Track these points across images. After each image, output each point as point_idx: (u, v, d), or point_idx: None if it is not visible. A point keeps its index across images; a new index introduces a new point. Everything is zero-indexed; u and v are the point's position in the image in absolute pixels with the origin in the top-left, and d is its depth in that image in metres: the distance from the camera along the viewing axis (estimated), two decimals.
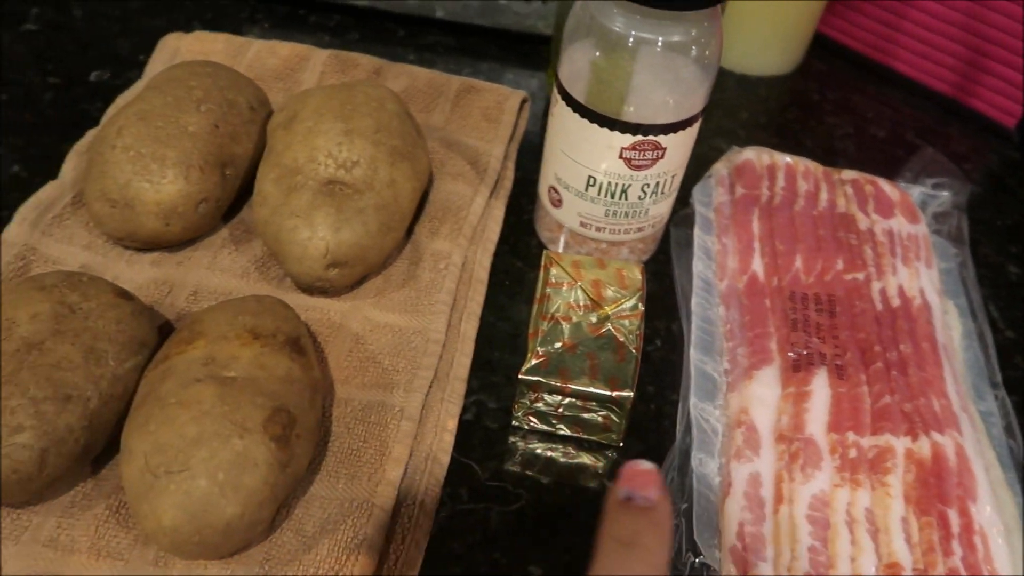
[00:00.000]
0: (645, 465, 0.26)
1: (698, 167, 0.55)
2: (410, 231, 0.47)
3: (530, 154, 0.55)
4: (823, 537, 0.36)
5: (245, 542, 0.32)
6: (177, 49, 0.55)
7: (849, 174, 0.53)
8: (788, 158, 0.53)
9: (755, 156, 0.53)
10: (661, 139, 0.41)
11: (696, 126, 0.42)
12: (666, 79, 0.40)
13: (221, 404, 0.32)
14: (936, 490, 0.37)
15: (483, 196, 0.49)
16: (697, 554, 0.35)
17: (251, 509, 0.31)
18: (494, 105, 0.54)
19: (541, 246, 0.50)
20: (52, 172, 0.48)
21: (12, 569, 0.32)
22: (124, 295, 0.37)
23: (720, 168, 0.54)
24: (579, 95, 0.41)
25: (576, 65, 0.41)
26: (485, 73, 0.62)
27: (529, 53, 0.64)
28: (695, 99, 0.41)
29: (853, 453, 0.38)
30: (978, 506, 0.37)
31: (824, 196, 0.51)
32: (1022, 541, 0.38)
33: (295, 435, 0.33)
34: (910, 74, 0.66)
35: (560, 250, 0.48)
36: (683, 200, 0.52)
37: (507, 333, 0.45)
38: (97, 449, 0.34)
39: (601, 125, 0.41)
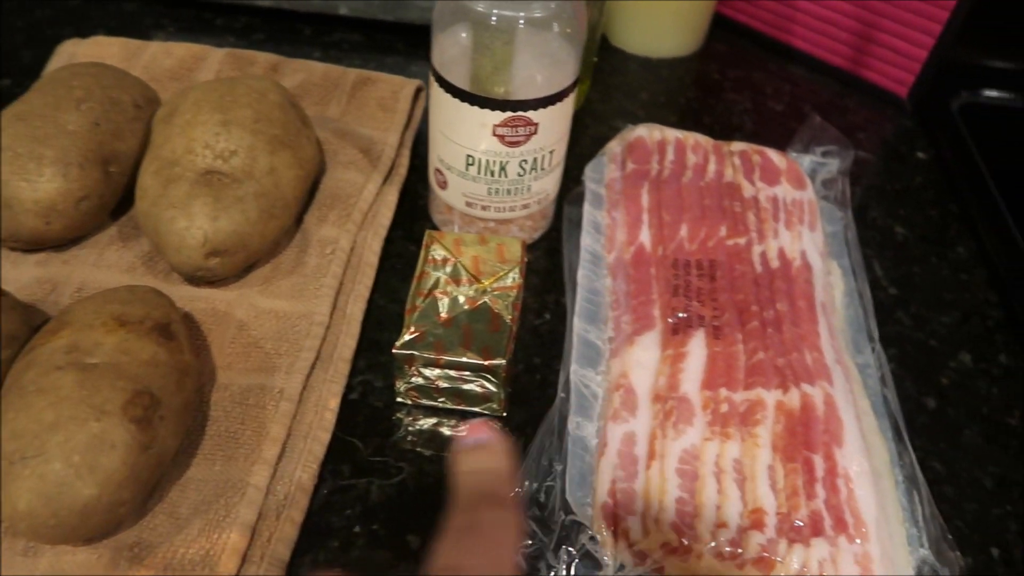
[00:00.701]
0: (474, 423, 0.29)
1: (596, 147, 0.56)
2: (300, 220, 0.47)
3: (427, 143, 0.56)
4: (691, 488, 0.37)
5: (108, 524, 0.32)
6: (74, 55, 0.56)
7: (738, 146, 0.55)
8: (679, 133, 0.55)
9: (647, 133, 0.55)
10: (532, 115, 0.42)
11: (568, 100, 0.43)
12: (532, 55, 0.41)
13: (80, 389, 0.32)
14: (803, 438, 0.38)
15: (375, 183, 0.50)
16: (569, 512, 0.36)
17: (109, 490, 0.31)
18: (389, 95, 0.55)
19: (435, 230, 0.50)
20: None
21: None
22: None
23: (614, 146, 0.55)
24: (451, 77, 0.42)
25: (446, 47, 0.42)
26: (391, 67, 0.63)
27: None
28: (562, 73, 0.42)
29: (725, 408, 0.40)
30: (844, 451, 0.38)
31: (712, 167, 0.53)
32: (892, 483, 0.39)
33: (158, 416, 0.33)
34: (808, 50, 0.67)
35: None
36: (577, 179, 0.53)
37: (396, 315, 0.46)
38: None
39: (472, 104, 0.42)
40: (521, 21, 0.40)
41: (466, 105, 0.42)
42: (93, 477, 0.31)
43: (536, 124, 0.43)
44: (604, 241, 0.49)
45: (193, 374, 0.37)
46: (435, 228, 0.50)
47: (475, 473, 0.27)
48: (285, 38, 0.65)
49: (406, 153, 0.53)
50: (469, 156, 0.44)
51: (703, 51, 0.69)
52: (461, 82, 0.42)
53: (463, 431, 0.29)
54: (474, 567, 0.24)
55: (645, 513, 0.36)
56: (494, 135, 0.43)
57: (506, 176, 0.45)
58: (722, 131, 0.61)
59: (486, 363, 0.38)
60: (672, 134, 0.55)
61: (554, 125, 0.44)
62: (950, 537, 0.36)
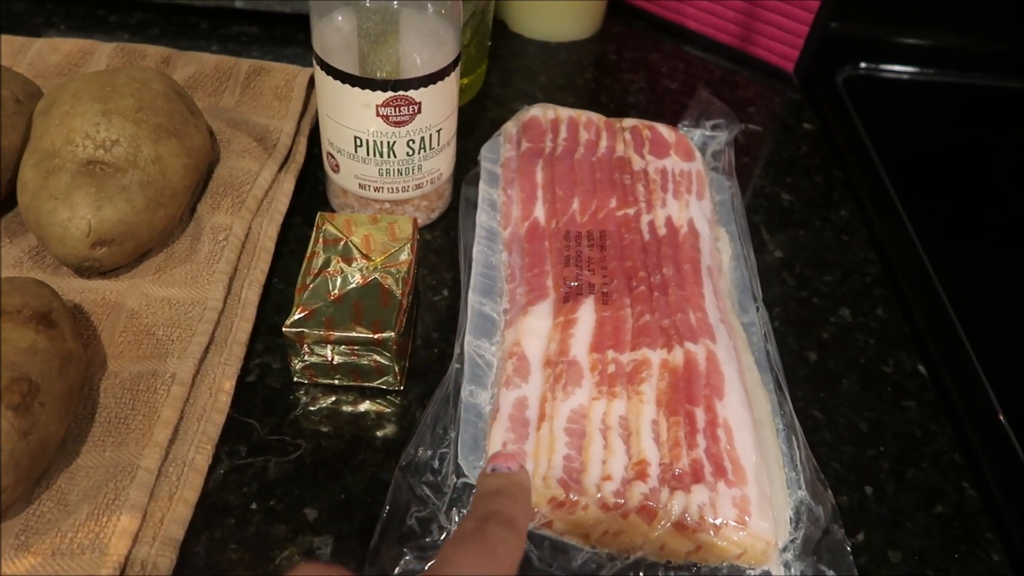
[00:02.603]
0: (507, 451, 0.34)
1: (495, 130, 0.57)
2: (195, 209, 0.47)
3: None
4: (578, 446, 0.38)
5: None
6: None
7: (629, 122, 0.56)
8: (572, 112, 0.56)
9: (540, 112, 0.56)
10: (413, 94, 0.43)
11: (451, 79, 0.44)
12: (410, 35, 0.42)
13: None
14: (685, 392, 0.40)
15: (270, 170, 0.50)
16: (461, 476, 0.37)
17: None
18: (283, 84, 0.55)
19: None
20: None
21: None
22: None
23: (510, 127, 0.56)
24: (333, 60, 0.43)
25: (327, 32, 0.43)
26: (291, 58, 0.63)
27: None
28: (441, 52, 0.43)
29: (612, 368, 0.41)
30: (724, 402, 0.40)
31: (604, 143, 0.54)
32: (773, 432, 0.41)
33: (38, 403, 0.33)
34: (700, 30, 0.69)
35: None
36: (476, 160, 0.54)
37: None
38: None
39: (354, 85, 0.42)
40: (395, 2, 0.41)
41: (348, 87, 0.43)
42: None
43: (419, 103, 0.44)
44: (500, 218, 0.50)
45: (77, 361, 0.36)
46: (330, 212, 0.51)
47: (494, 495, 0.30)
48: (182, 32, 0.65)
49: (303, 141, 0.54)
50: (357, 138, 0.45)
51: (601, 34, 0.70)
52: (343, 65, 0.42)
53: (492, 459, 0.32)
54: (470, 569, 0.26)
55: (534, 472, 0.37)
56: (378, 115, 0.43)
57: (395, 156, 0.46)
58: (617, 109, 0.62)
59: (375, 336, 0.39)
60: (565, 113, 0.56)
61: (438, 104, 0.45)
62: (823, 477, 0.38)
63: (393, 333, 0.39)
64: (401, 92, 0.43)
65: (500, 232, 0.49)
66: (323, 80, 0.44)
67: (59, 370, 0.35)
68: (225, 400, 0.40)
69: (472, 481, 0.37)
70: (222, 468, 0.38)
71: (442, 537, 0.35)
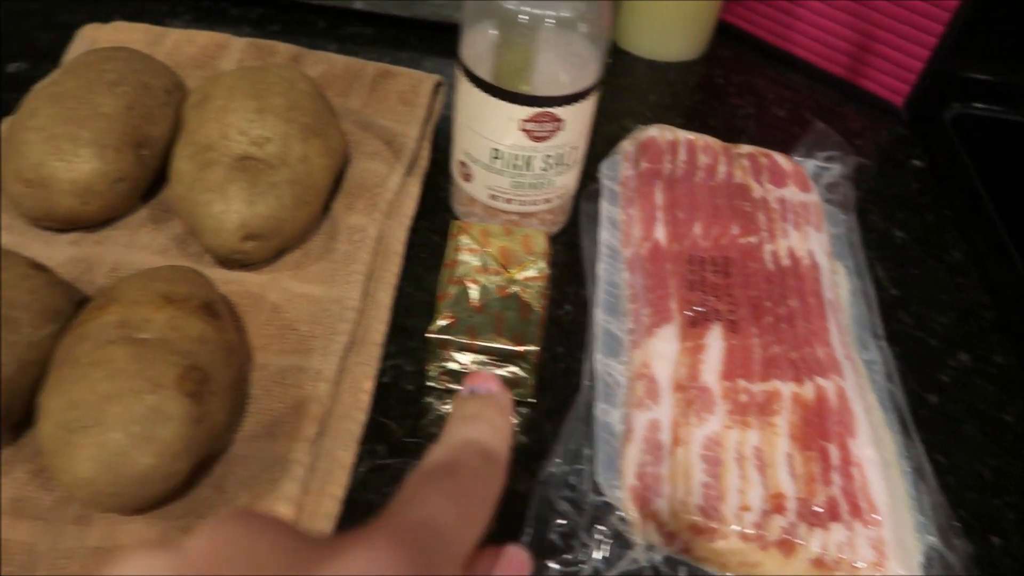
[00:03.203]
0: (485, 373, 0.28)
1: (608, 146, 0.58)
2: (328, 208, 0.48)
3: (447, 136, 0.57)
4: (715, 473, 0.38)
5: (162, 494, 0.33)
6: (95, 39, 0.56)
7: (746, 148, 0.57)
8: (689, 135, 0.57)
9: (659, 133, 0.56)
10: (558, 111, 0.43)
11: (592, 98, 0.45)
12: (559, 53, 0.43)
13: (134, 362, 0.33)
14: (818, 428, 0.40)
15: (398, 174, 0.51)
16: (599, 494, 0.38)
17: (166, 461, 0.32)
18: (409, 89, 0.56)
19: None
20: None
21: None
22: (38, 267, 0.38)
23: (627, 145, 0.57)
24: (480, 71, 0.43)
25: (475, 42, 0.44)
26: (404, 62, 0.64)
27: (446, 42, 0.66)
28: (588, 72, 0.44)
29: (744, 398, 0.41)
30: (856, 441, 0.40)
31: (722, 168, 0.54)
32: (900, 474, 0.41)
33: (209, 392, 0.34)
34: (807, 58, 0.70)
35: None
36: (592, 176, 0.55)
37: (423, 302, 0.47)
38: (15, 416, 0.35)
39: (501, 98, 0.43)
40: (550, 20, 0.42)
41: (494, 99, 0.43)
42: (151, 447, 0.32)
43: (562, 120, 0.44)
44: (620, 236, 0.51)
45: (237, 353, 0.37)
46: (458, 219, 0.52)
47: (471, 419, 0.26)
48: (300, 30, 0.66)
49: (427, 146, 0.54)
50: (495, 150, 0.45)
51: (707, 56, 0.71)
52: (489, 76, 0.43)
53: (469, 378, 0.28)
54: (440, 509, 0.21)
55: (672, 496, 0.37)
56: (521, 130, 0.44)
57: (531, 170, 0.46)
58: (727, 134, 0.62)
59: (518, 349, 0.40)
60: (683, 135, 0.56)
61: (578, 122, 0.45)
62: (956, 524, 0.39)
63: (536, 347, 0.40)
64: (547, 108, 0.43)
65: (621, 251, 0.50)
66: (467, 90, 0.45)
67: (224, 361, 0.36)
68: (366, 399, 0.40)
69: (610, 500, 0.38)
70: (363, 467, 0.39)
71: (587, 554, 0.36)
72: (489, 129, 0.45)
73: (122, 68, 0.45)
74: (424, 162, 0.53)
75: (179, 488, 0.34)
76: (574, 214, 0.53)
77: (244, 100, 0.43)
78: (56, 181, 0.42)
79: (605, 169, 0.55)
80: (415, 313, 0.46)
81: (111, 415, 0.31)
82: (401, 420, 0.41)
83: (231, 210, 0.41)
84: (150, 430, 0.32)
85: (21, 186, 0.42)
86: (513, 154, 0.45)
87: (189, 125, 0.44)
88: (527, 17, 0.41)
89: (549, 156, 0.46)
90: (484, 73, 0.43)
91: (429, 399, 0.42)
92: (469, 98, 0.45)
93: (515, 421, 0.40)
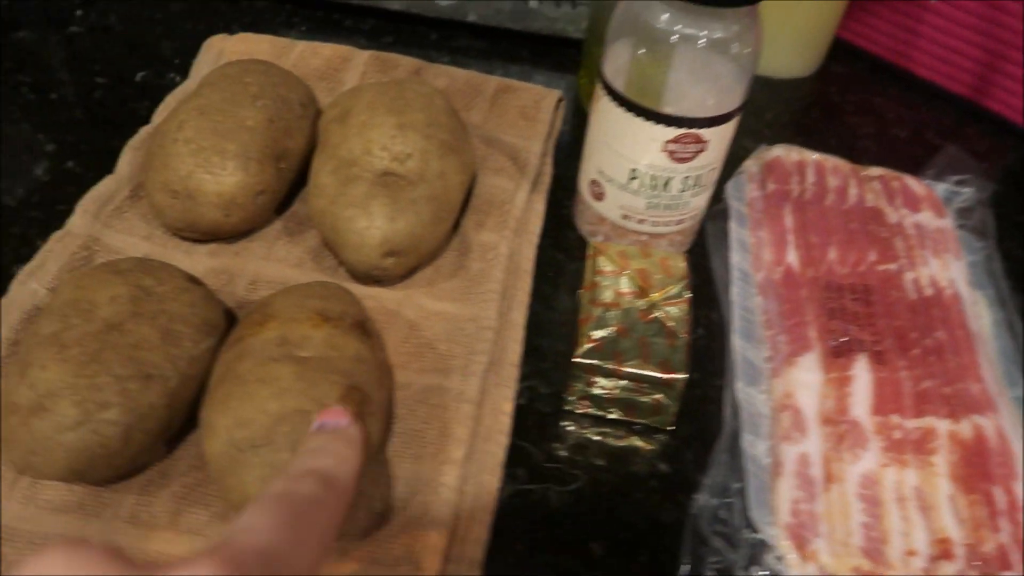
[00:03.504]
0: (335, 406, 0.30)
1: (728, 165, 0.56)
2: (457, 224, 0.48)
3: (563, 152, 0.57)
4: (875, 514, 0.37)
5: None
6: (222, 50, 0.56)
7: (876, 171, 0.55)
8: (816, 155, 0.55)
9: (784, 153, 0.55)
10: (703, 132, 0.42)
11: (735, 120, 0.44)
12: (708, 74, 0.42)
13: (299, 381, 0.33)
14: (980, 469, 0.38)
15: (524, 191, 0.50)
16: (754, 531, 0.37)
17: None
18: (531, 104, 0.56)
19: (581, 239, 0.51)
20: (105, 167, 0.49)
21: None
22: (193, 280, 0.38)
23: (751, 165, 0.55)
24: (623, 90, 0.43)
25: (620, 61, 0.43)
26: (516, 75, 0.64)
27: (559, 57, 0.66)
28: (735, 94, 0.43)
29: (898, 435, 0.40)
30: (1021, 485, 0.38)
31: (853, 191, 0.53)
32: None
33: (368, 412, 0.34)
34: (928, 76, 0.67)
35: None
36: (717, 196, 0.53)
37: (553, 321, 0.46)
38: (174, 428, 0.35)
39: (646, 119, 0.42)
40: (702, 40, 0.41)
41: (639, 119, 0.43)
42: None
43: (706, 142, 0.43)
44: (751, 259, 0.49)
45: (389, 372, 0.37)
46: (580, 238, 0.51)
47: (316, 452, 0.26)
48: (412, 41, 0.66)
49: (549, 162, 0.54)
50: (634, 169, 0.45)
51: (820, 73, 0.69)
52: (632, 95, 0.42)
53: (320, 414, 0.29)
54: (274, 535, 0.22)
55: (831, 536, 0.36)
56: (663, 150, 0.43)
57: (668, 192, 0.45)
58: (848, 154, 0.61)
59: (666, 377, 0.39)
60: (810, 156, 0.55)
61: (721, 144, 0.44)
62: None
63: (685, 375, 0.39)
64: (693, 130, 0.42)
65: (752, 274, 0.49)
66: (607, 108, 0.44)
67: (379, 380, 0.36)
68: (506, 422, 0.40)
69: (765, 537, 0.36)
70: (505, 491, 0.38)
71: None
72: (628, 148, 0.44)
73: (263, 81, 0.46)
74: (547, 179, 0.53)
75: None
76: (699, 234, 0.52)
77: (386, 116, 0.43)
78: (203, 193, 0.42)
79: (731, 190, 0.53)
80: (545, 333, 0.46)
81: (280, 435, 0.31)
82: (539, 444, 0.41)
83: (373, 226, 0.41)
84: None
85: (168, 197, 0.43)
86: (652, 175, 0.44)
87: (331, 139, 0.44)
88: (678, 36, 0.40)
89: (688, 177, 0.45)
90: (626, 90, 0.42)
91: (566, 423, 0.42)
92: (609, 116, 0.44)
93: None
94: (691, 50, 0.41)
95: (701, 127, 0.42)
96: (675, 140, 0.43)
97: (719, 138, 0.44)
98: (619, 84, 0.43)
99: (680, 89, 0.42)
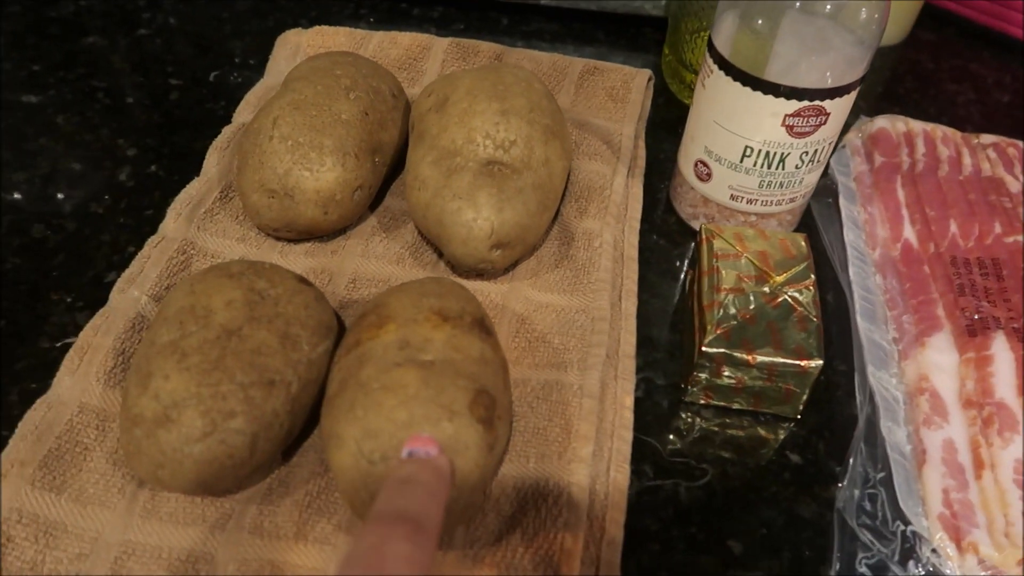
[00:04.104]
0: (424, 433, 0.30)
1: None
2: (558, 212, 0.46)
3: (650, 134, 0.55)
4: None
5: (459, 525, 0.31)
6: (298, 44, 0.55)
7: (988, 138, 0.52)
8: (924, 125, 0.52)
9: (889, 124, 0.52)
10: (826, 104, 0.40)
11: (856, 91, 0.41)
12: (830, 43, 0.40)
13: (426, 388, 0.31)
14: None
15: (622, 175, 0.48)
16: (905, 523, 0.34)
17: (465, 492, 0.30)
18: (620, 85, 0.53)
19: (680, 223, 0.49)
20: (188, 170, 0.49)
21: (223, 557, 0.32)
22: (304, 281, 0.37)
23: (853, 138, 0.53)
24: (738, 62, 0.40)
25: (733, 33, 0.41)
26: (593, 58, 0.62)
27: (635, 36, 0.64)
28: (860, 63, 0.40)
29: None
30: None
31: (967, 161, 0.50)
32: None
33: (497, 416, 0.32)
34: None
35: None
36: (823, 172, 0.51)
37: (661, 310, 0.44)
38: (294, 435, 0.34)
39: (765, 92, 0.40)
40: (828, 7, 0.38)
41: (757, 93, 0.40)
42: (453, 478, 0.30)
43: (828, 114, 0.41)
44: (864, 237, 0.47)
45: (509, 371, 0.36)
46: (680, 221, 0.49)
47: (404, 484, 0.26)
48: (483, 27, 0.64)
49: (641, 144, 0.52)
50: (748, 147, 0.42)
51: (909, 40, 0.66)
52: (748, 68, 0.40)
53: (408, 441, 0.29)
54: None
55: (991, 527, 0.34)
56: (783, 125, 0.41)
57: (783, 168, 0.43)
58: (950, 123, 0.58)
59: (803, 364, 0.37)
60: (918, 126, 0.52)
61: (841, 116, 0.42)
62: None
63: (821, 362, 0.37)
64: (816, 102, 0.40)
65: (868, 253, 0.46)
66: (720, 83, 0.42)
67: (504, 381, 0.34)
68: (629, 417, 0.38)
69: (917, 529, 0.34)
70: (633, 488, 0.37)
71: None
72: (743, 125, 0.42)
73: (353, 73, 0.44)
74: (641, 162, 0.51)
75: (473, 518, 0.32)
76: (805, 214, 0.49)
77: (488, 102, 0.42)
78: (301, 191, 0.41)
79: (836, 164, 0.51)
80: (654, 322, 0.44)
81: None
82: (661, 438, 0.39)
83: (481, 217, 0.39)
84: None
85: (265, 197, 0.41)
86: (768, 151, 0.42)
87: (429, 129, 0.42)
88: (801, 4, 0.38)
89: (806, 152, 0.42)
90: (745, 65, 0.40)
91: (686, 415, 0.40)
92: (721, 92, 0.42)
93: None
94: (812, 18, 0.38)
95: (824, 99, 0.40)
96: (796, 114, 0.40)
97: (841, 110, 0.41)
98: (732, 57, 0.41)
99: (800, 60, 0.39)
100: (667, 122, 0.56)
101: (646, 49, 0.63)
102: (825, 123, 0.41)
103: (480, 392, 0.32)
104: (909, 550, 0.34)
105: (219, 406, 0.31)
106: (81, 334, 0.38)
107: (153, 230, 0.45)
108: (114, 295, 0.41)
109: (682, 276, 0.46)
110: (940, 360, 0.40)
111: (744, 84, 0.40)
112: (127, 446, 0.32)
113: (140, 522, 0.33)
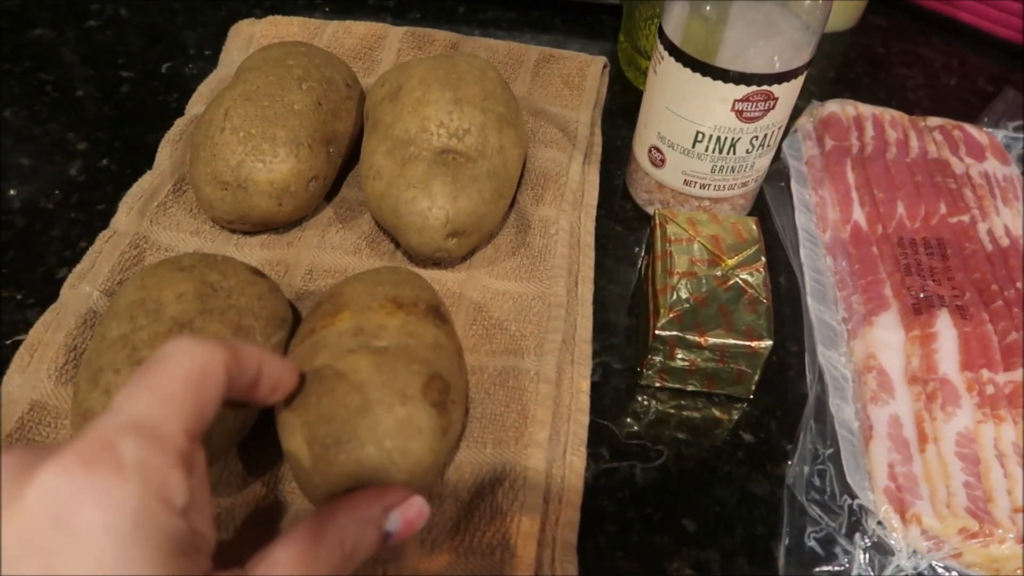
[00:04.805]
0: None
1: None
2: (514, 200, 0.47)
3: (607, 120, 0.55)
4: (975, 472, 0.36)
5: None
6: (252, 35, 0.55)
7: (935, 121, 0.53)
8: (873, 108, 0.53)
9: (839, 108, 0.53)
10: (774, 89, 0.41)
11: (803, 76, 0.42)
12: (778, 28, 0.40)
13: (379, 373, 0.31)
14: None
15: (578, 162, 0.49)
16: (852, 497, 0.35)
17: (418, 476, 0.31)
18: (575, 72, 0.54)
19: (636, 209, 0.49)
20: (141, 163, 0.48)
21: None
22: (258, 273, 0.37)
23: (805, 122, 0.54)
24: (688, 49, 0.41)
25: (683, 19, 0.41)
26: (549, 46, 0.62)
27: (592, 23, 0.64)
28: (807, 48, 0.41)
29: (990, 389, 0.38)
30: None
31: (915, 144, 0.51)
32: None
33: (451, 401, 0.32)
34: (975, 23, 0.65)
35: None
36: (775, 156, 0.52)
37: (618, 295, 0.45)
38: (250, 425, 0.34)
39: (714, 78, 0.41)
40: None
41: (706, 79, 0.41)
42: (405, 462, 0.30)
43: (776, 99, 0.41)
44: (815, 219, 0.48)
45: (464, 357, 0.36)
46: (636, 207, 0.49)
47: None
48: (440, 16, 0.64)
49: (598, 131, 0.52)
50: (699, 132, 0.43)
51: (860, 25, 0.67)
52: (698, 54, 0.41)
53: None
54: None
55: (933, 498, 0.35)
56: (732, 110, 0.42)
57: (734, 153, 0.44)
58: (899, 107, 0.59)
59: (753, 344, 0.37)
60: (867, 110, 0.53)
61: (790, 100, 0.42)
62: None
63: (770, 342, 0.37)
64: (764, 87, 0.41)
65: (819, 235, 0.47)
66: (671, 70, 0.42)
67: (459, 367, 0.34)
68: (585, 400, 0.39)
69: (864, 502, 0.35)
70: (589, 471, 0.37)
71: (851, 562, 0.34)
72: (694, 111, 0.42)
73: (306, 63, 0.44)
74: (597, 148, 0.51)
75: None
76: (758, 197, 0.50)
77: (441, 91, 0.42)
78: (254, 183, 0.41)
79: (788, 148, 0.52)
80: (611, 307, 0.44)
81: (363, 429, 0.30)
82: (618, 421, 0.39)
83: (436, 206, 0.40)
84: (403, 444, 0.30)
85: (218, 189, 0.41)
86: (719, 136, 0.43)
87: (383, 119, 0.42)
88: None
89: (755, 137, 0.43)
90: (691, 50, 0.41)
91: (642, 397, 0.40)
92: (672, 78, 0.42)
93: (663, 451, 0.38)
94: (762, 3, 0.39)
95: (772, 83, 0.41)
96: (745, 99, 0.41)
97: (789, 94, 0.42)
98: (683, 44, 0.41)
99: (749, 45, 0.40)
100: (624, 109, 0.57)
101: (603, 36, 0.63)
102: (774, 108, 0.42)
103: (434, 377, 0.32)
104: (856, 523, 0.35)
105: None
106: (31, 331, 0.38)
107: (105, 225, 0.44)
108: (65, 291, 0.40)
109: (639, 262, 0.47)
110: (887, 338, 0.41)
111: (694, 70, 0.41)
112: None
113: None
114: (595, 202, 0.48)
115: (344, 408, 0.30)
